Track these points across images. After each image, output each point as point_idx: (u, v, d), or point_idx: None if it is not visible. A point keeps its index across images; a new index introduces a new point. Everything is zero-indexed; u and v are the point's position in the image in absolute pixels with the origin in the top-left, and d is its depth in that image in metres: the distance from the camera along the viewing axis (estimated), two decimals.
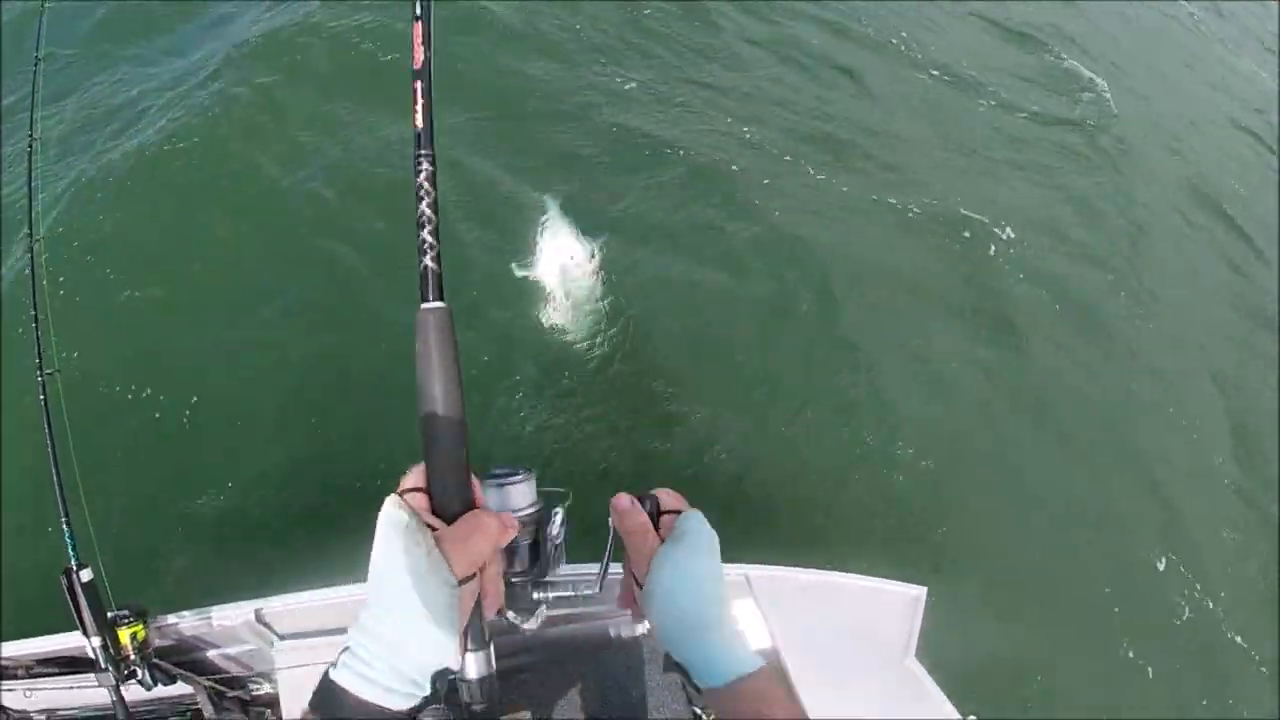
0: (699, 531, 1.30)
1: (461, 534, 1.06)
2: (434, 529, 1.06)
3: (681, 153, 8.09)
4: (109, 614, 2.78)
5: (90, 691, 3.40)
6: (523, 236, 6.92)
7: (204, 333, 6.33)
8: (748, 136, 8.73)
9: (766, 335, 6.98)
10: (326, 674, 1.02)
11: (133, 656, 2.78)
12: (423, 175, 1.14)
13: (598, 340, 6.40)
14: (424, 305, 1.11)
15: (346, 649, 1.03)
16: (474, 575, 1.07)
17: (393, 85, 7.70)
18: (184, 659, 3.33)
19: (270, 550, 5.21)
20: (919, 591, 3.07)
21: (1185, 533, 6.88)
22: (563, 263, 6.57)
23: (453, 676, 1.10)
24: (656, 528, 1.35)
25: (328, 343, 6.30)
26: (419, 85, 1.18)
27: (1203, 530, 7.06)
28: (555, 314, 6.48)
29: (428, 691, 1.03)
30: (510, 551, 1.35)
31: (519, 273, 6.60)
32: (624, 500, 1.35)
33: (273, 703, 3.66)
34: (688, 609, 1.24)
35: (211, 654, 3.41)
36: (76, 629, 2.75)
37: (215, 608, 3.09)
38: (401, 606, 0.99)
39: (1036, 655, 5.67)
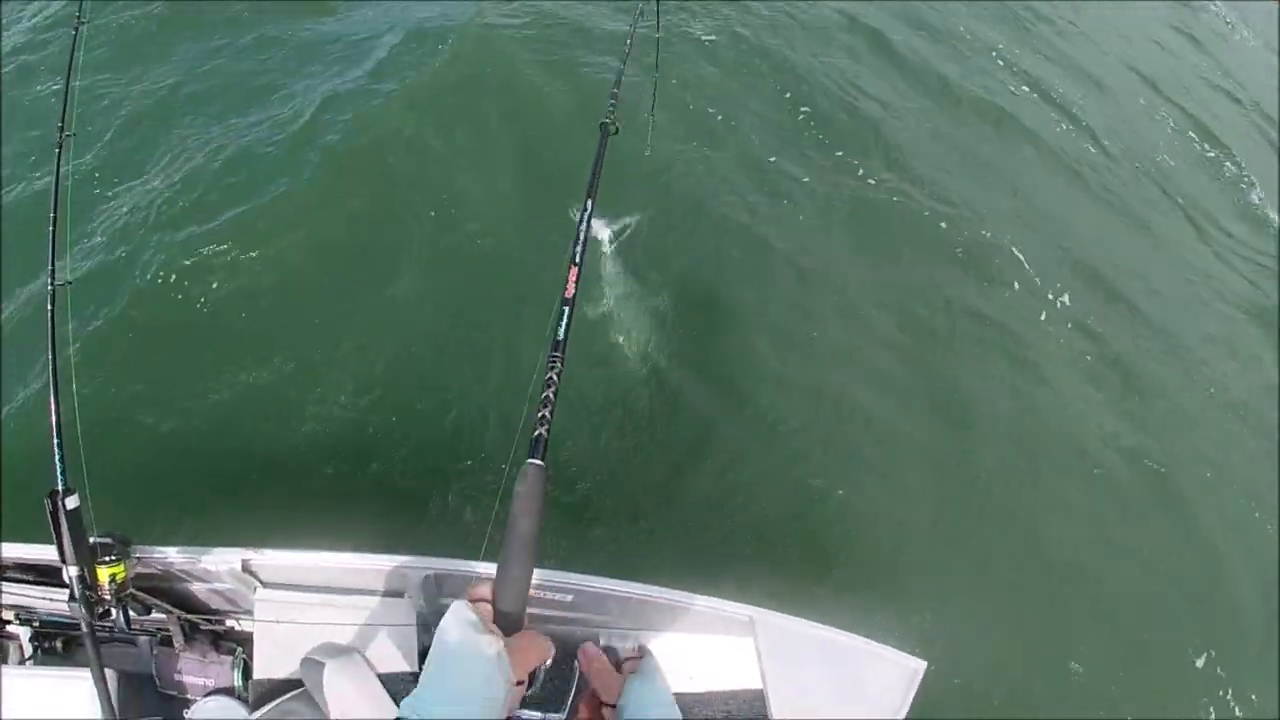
0: (659, 669, 1.58)
1: (522, 646, 1.21)
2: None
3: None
4: (91, 541, 2.72)
5: (60, 605, 3.36)
6: None
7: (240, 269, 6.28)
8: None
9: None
10: None
11: (108, 596, 2.72)
12: (553, 374, 1.38)
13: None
14: (530, 460, 1.29)
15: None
16: (521, 681, 1.21)
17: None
18: (162, 588, 3.29)
19: (264, 506, 5.11)
20: (918, 665, 3.03)
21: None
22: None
23: None
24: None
25: (364, 305, 6.27)
26: (567, 310, 1.48)
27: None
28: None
29: None
30: None
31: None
32: (592, 648, 1.58)
33: (245, 641, 3.64)
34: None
35: (193, 586, 3.38)
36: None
37: (203, 551, 3.05)
38: (468, 692, 1.12)
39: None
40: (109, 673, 3.08)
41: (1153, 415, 7.59)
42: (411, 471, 5.33)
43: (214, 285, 6.12)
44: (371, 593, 3.30)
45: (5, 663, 3.59)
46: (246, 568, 3.13)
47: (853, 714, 2.99)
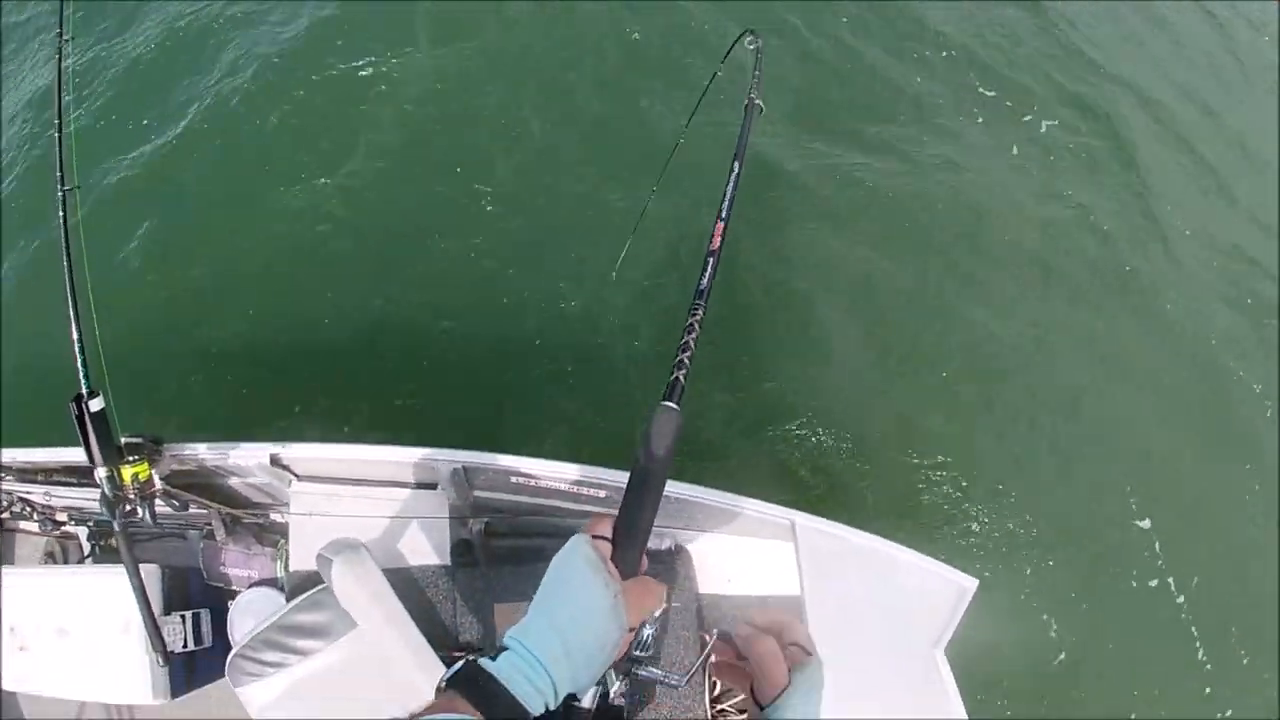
0: (821, 683, 1.28)
1: (638, 591, 1.15)
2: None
3: None
4: (122, 442, 2.73)
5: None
6: None
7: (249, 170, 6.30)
8: None
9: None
10: (477, 661, 1.03)
11: (132, 495, 2.73)
12: (694, 321, 1.37)
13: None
14: (665, 403, 1.22)
15: (505, 649, 1.05)
16: (632, 629, 1.16)
17: None
18: (199, 485, 3.31)
19: (286, 400, 5.15)
20: (970, 583, 2.85)
21: None
22: None
23: (571, 700, 1.19)
24: None
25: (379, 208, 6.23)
26: (711, 261, 1.48)
27: None
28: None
29: (555, 706, 1.07)
30: None
31: None
32: (751, 628, 1.29)
33: (286, 533, 3.69)
34: None
35: (230, 481, 3.40)
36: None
37: (231, 446, 3.04)
38: (579, 631, 1.06)
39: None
40: (152, 568, 3.15)
41: None
42: (453, 366, 5.35)
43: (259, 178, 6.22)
44: (403, 485, 3.27)
45: (67, 560, 3.76)
46: (276, 461, 3.12)
47: (894, 630, 2.84)
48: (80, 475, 3.22)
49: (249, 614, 3.34)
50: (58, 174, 2.85)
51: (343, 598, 2.51)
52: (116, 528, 2.70)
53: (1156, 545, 5.59)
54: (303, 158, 6.39)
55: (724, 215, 1.62)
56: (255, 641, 2.75)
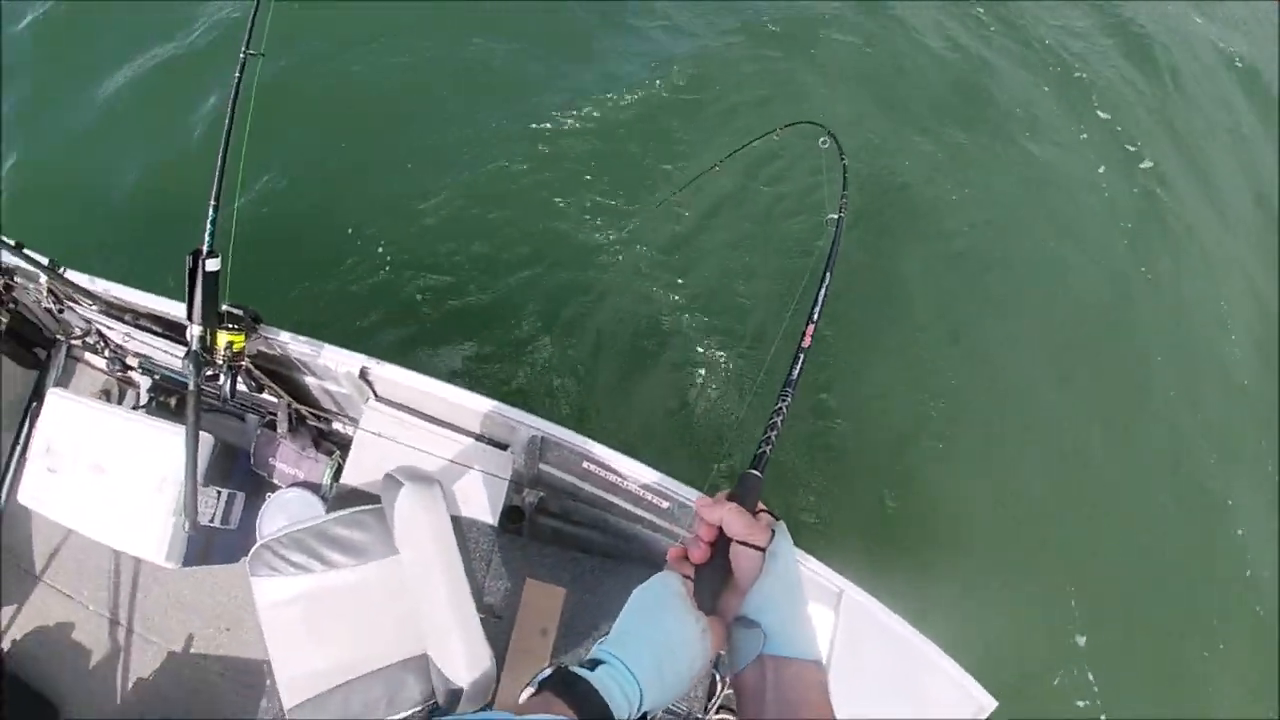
0: (791, 550, 1.25)
1: (716, 629, 1.18)
2: None
3: None
4: (222, 308, 2.72)
5: (179, 362, 3.48)
6: None
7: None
8: None
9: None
10: (569, 669, 1.07)
11: (220, 361, 2.73)
12: (783, 405, 1.39)
13: None
14: (750, 471, 1.27)
15: (601, 661, 1.10)
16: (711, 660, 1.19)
17: None
18: (277, 374, 3.32)
19: (400, 326, 5.23)
20: (988, 703, 2.81)
21: None
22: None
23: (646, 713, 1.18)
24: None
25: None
26: (802, 357, 1.52)
27: None
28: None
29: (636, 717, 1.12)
30: None
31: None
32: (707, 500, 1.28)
33: (344, 446, 3.65)
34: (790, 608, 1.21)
35: (308, 380, 3.39)
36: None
37: (327, 345, 3.04)
38: (673, 657, 1.11)
39: None
40: (207, 437, 3.15)
41: None
42: (576, 342, 5.43)
43: (410, 97, 6.31)
44: (476, 436, 3.26)
45: (121, 404, 3.78)
46: (364, 375, 3.11)
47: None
48: (167, 328, 3.21)
49: (283, 511, 3.34)
50: (247, 35, 2.89)
51: (402, 524, 2.47)
52: (191, 386, 2.69)
53: None
54: (509, 108, 6.54)
55: (815, 318, 1.69)
56: (287, 538, 2.72)
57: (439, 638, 2.42)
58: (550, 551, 3.24)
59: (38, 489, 3.23)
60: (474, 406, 3.00)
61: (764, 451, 1.31)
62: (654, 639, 1.12)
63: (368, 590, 2.69)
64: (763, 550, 1.17)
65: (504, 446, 3.21)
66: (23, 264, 3.10)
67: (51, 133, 6.28)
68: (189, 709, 3.45)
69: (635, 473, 2.88)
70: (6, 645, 3.65)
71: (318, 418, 3.63)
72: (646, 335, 5.70)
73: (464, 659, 2.33)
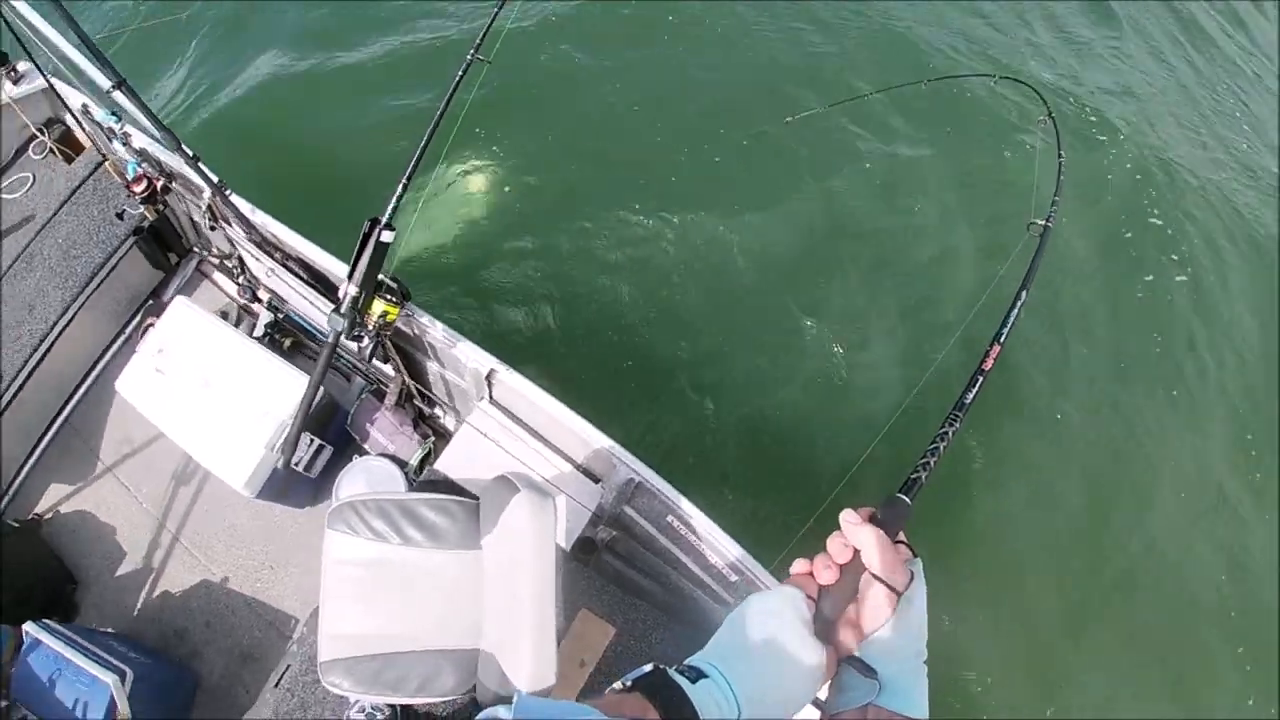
0: (924, 599, 1.11)
1: (828, 660, 1.07)
2: None
3: None
4: (380, 278, 2.87)
5: (315, 312, 3.64)
6: None
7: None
8: None
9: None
10: (666, 672, 1.01)
11: (370, 325, 2.89)
12: (950, 429, 1.31)
13: None
14: (899, 494, 1.16)
15: (704, 676, 1.02)
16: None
17: None
18: (405, 350, 3.46)
19: (533, 338, 5.37)
20: None
21: None
22: None
23: None
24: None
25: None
26: (980, 379, 1.48)
27: None
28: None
29: None
30: None
31: None
32: (858, 516, 1.11)
33: (441, 435, 3.83)
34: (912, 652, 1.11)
35: (429, 364, 3.52)
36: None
37: (463, 339, 3.15)
38: (779, 685, 1.03)
39: None
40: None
41: None
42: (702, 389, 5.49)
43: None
44: (574, 462, 3.34)
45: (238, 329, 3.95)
46: (490, 376, 3.21)
47: None
48: (312, 276, 3.36)
49: (365, 476, 3.46)
50: (477, 40, 3.11)
51: (505, 528, 2.57)
52: (331, 339, 2.87)
53: None
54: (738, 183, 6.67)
55: (1002, 339, 1.62)
56: (373, 503, 2.82)
57: (509, 641, 2.48)
58: (611, 590, 3.32)
59: (139, 384, 3.39)
60: (582, 433, 3.09)
61: (919, 477, 1.21)
62: (765, 661, 1.03)
63: (435, 575, 2.77)
64: (899, 595, 1.05)
65: (596, 479, 3.29)
66: (192, 175, 3.24)
67: (270, 80, 6.68)
68: (208, 626, 3.54)
69: (713, 538, 2.93)
70: (49, 513, 3.79)
71: (425, 400, 3.76)
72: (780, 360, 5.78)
73: (529, 668, 2.40)
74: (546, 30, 7.14)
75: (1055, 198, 2.47)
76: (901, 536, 1.12)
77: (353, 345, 2.99)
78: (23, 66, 3.88)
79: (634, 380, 5.43)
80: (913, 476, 1.19)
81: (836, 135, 7.33)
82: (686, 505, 2.99)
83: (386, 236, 2.79)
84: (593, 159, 6.45)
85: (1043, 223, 2.29)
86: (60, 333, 3.69)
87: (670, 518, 3.05)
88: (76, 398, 3.95)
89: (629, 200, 6.24)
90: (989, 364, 1.53)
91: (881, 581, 1.04)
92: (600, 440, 3.07)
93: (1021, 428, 6.10)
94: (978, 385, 1.46)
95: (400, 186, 2.84)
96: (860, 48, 8.22)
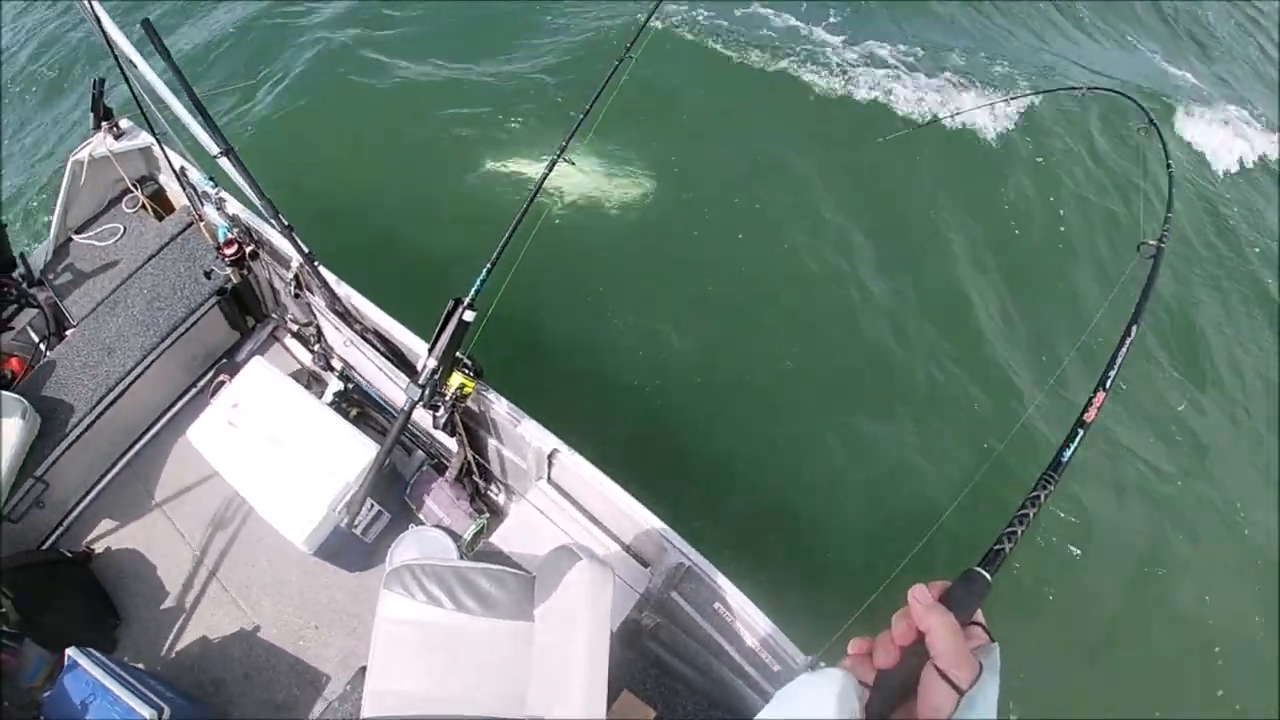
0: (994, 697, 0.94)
1: None
2: None
3: None
4: (458, 354, 3.01)
5: (387, 384, 3.76)
6: None
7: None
8: None
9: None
10: None
11: (447, 396, 3.02)
12: (1042, 493, 1.17)
13: None
14: (978, 568, 1.01)
15: None
16: None
17: None
18: (467, 424, 3.57)
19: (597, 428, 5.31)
20: None
21: None
22: None
23: None
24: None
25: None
26: (1081, 433, 1.30)
27: None
28: None
29: None
30: None
31: None
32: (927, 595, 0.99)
33: (495, 511, 3.95)
34: None
35: (489, 440, 3.65)
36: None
37: (528, 418, 3.28)
38: None
39: None
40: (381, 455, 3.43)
41: None
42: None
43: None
44: (623, 544, 3.45)
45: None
46: (551, 457, 3.34)
47: None
48: (389, 349, 3.53)
49: (419, 545, 3.56)
50: (562, 143, 3.33)
51: (565, 593, 2.64)
52: (407, 407, 3.01)
53: None
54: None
55: (1107, 385, 1.46)
56: (429, 568, 2.93)
57: (560, 702, 2.53)
58: (655, 674, 3.37)
59: (211, 434, 3.54)
60: (635, 516, 3.18)
61: (1002, 549, 1.08)
62: None
63: (485, 643, 2.86)
64: (960, 694, 0.89)
65: (646, 564, 3.38)
66: (284, 243, 3.44)
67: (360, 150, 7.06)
68: (246, 678, 3.60)
69: (758, 626, 2.99)
70: (100, 547, 3.90)
71: (483, 475, 3.89)
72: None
73: None
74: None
75: (1168, 214, 2.28)
76: (979, 616, 0.99)
77: (427, 415, 3.15)
78: (125, 124, 4.11)
79: (694, 459, 5.50)
80: (996, 548, 1.07)
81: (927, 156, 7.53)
82: (734, 592, 3.05)
83: (468, 316, 2.95)
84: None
85: (1155, 243, 2.12)
86: (137, 378, 3.83)
87: (716, 604, 3.11)
88: (142, 442, 4.08)
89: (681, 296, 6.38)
90: (1092, 415, 1.36)
91: (943, 676, 0.90)
92: (653, 523, 3.16)
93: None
94: (1077, 440, 1.28)
95: (486, 269, 3.03)
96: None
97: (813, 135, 7.60)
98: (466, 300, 2.97)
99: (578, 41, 8.34)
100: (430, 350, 3.00)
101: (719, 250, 6.66)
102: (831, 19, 9.21)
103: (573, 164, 3.35)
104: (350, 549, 3.62)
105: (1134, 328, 1.63)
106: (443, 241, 6.00)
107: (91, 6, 2.80)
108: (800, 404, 5.96)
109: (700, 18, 8.73)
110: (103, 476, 4.00)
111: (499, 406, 3.31)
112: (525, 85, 7.76)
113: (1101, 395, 1.42)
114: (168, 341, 3.92)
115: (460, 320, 2.97)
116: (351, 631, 3.69)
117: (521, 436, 3.33)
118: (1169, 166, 2.46)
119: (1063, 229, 7.23)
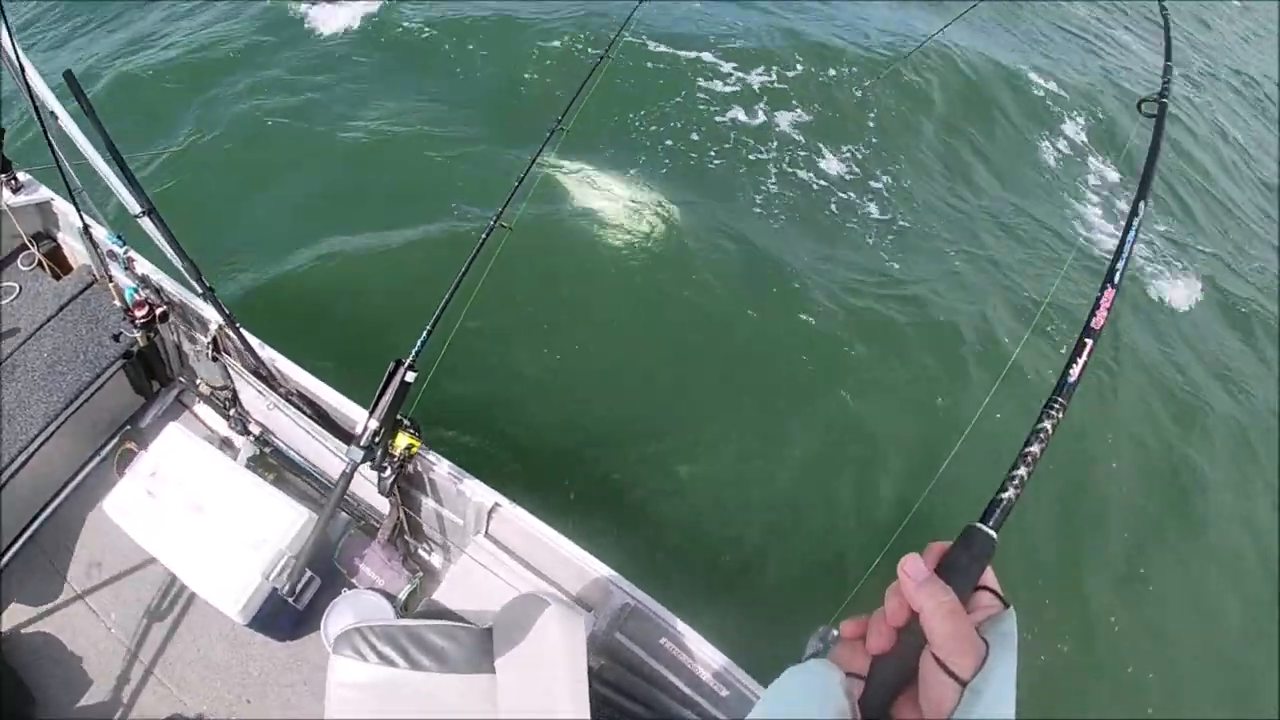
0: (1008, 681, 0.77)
1: None
2: None
3: None
4: (398, 416, 3.03)
5: (320, 453, 3.71)
6: None
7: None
8: None
9: None
10: None
11: (395, 456, 3.04)
12: (1048, 424, 1.03)
13: None
14: (980, 525, 0.90)
15: None
16: None
17: None
18: (403, 486, 3.57)
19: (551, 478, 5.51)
20: None
21: None
22: None
23: None
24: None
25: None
26: (1090, 343, 1.15)
27: None
28: None
29: None
30: None
31: None
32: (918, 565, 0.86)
33: (428, 571, 3.93)
34: None
35: (425, 501, 3.64)
36: (365, 407, 3.00)
37: (469, 476, 3.30)
38: None
39: None
40: (314, 519, 3.38)
41: None
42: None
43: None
44: (566, 591, 3.44)
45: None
46: (490, 512, 3.36)
47: None
48: (317, 413, 3.50)
49: (354, 609, 3.55)
50: (499, 210, 3.44)
51: (536, 638, 2.69)
52: (348, 469, 2.98)
53: None
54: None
55: (1116, 280, 1.28)
56: (380, 629, 2.92)
57: None
58: (607, 713, 3.42)
59: (130, 506, 3.42)
60: (578, 562, 3.22)
61: (1006, 497, 0.95)
62: None
63: (443, 698, 2.85)
64: (963, 685, 0.76)
65: (589, 608, 3.39)
66: (201, 306, 3.41)
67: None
68: None
69: (706, 657, 3.05)
70: (7, 629, 3.67)
71: (416, 535, 3.88)
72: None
73: None
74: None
75: (1167, 63, 2.07)
76: (988, 580, 0.86)
77: (357, 478, 3.17)
78: (23, 177, 3.97)
79: (631, 493, 5.63)
80: (999, 497, 0.95)
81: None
82: (680, 625, 3.10)
83: (409, 377, 2.97)
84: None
85: (1156, 98, 1.89)
86: (38, 448, 3.66)
87: (663, 640, 3.16)
88: (44, 515, 3.90)
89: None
90: (1100, 318, 1.20)
91: (941, 666, 0.78)
92: (596, 569, 3.20)
93: None
94: (1085, 353, 1.14)
95: (426, 331, 3.05)
96: None
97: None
98: (407, 361, 2.98)
99: (513, 102, 8.67)
100: (371, 412, 2.99)
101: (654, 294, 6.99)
102: None
103: (509, 229, 3.41)
104: (282, 617, 3.55)
105: (1141, 204, 1.44)
106: (373, 304, 6.06)
107: (16, 55, 2.65)
108: (741, 423, 6.26)
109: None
110: (4, 553, 3.77)
111: (439, 465, 3.32)
112: (463, 143, 7.98)
113: (1111, 292, 1.25)
114: (71, 408, 3.76)
115: (402, 381, 2.97)
116: (286, 703, 3.59)
117: (460, 493, 3.35)
118: (1163, 7, 2.25)
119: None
